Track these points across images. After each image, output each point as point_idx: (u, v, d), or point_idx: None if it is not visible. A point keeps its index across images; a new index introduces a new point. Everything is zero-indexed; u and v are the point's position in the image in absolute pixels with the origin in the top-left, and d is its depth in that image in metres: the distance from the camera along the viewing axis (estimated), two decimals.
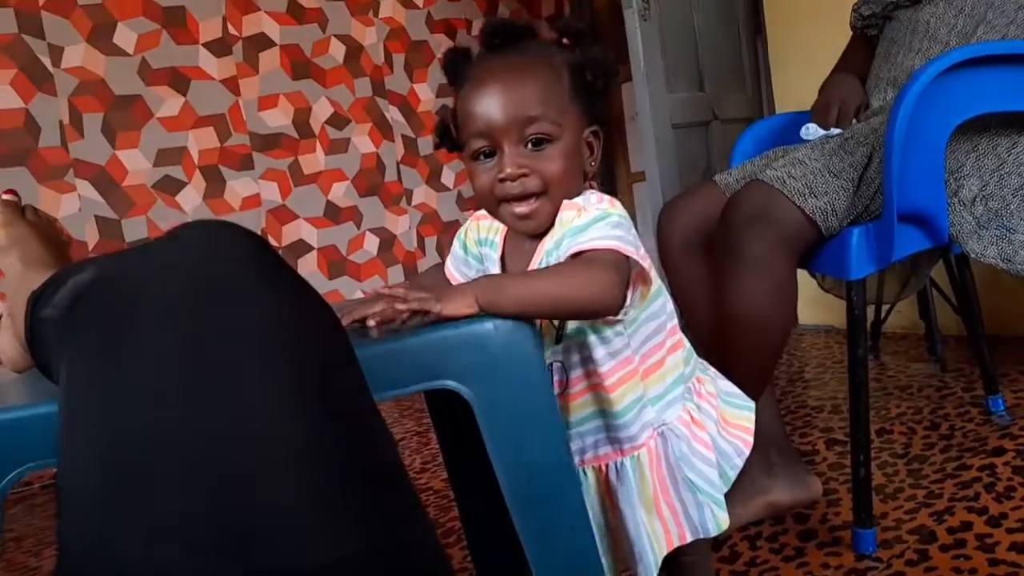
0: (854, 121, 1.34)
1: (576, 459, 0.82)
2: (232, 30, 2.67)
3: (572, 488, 0.73)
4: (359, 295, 2.92)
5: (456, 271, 0.91)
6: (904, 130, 1.04)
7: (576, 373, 0.80)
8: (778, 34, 2.47)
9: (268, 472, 0.48)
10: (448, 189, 3.15)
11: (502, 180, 0.76)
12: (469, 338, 0.73)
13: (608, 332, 0.77)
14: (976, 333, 1.65)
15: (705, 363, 0.90)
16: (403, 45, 3.06)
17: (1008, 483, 1.31)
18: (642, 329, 0.80)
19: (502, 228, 0.86)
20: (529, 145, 0.76)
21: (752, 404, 0.89)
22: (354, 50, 2.93)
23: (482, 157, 0.77)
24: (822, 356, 2.26)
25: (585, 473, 0.84)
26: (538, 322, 0.74)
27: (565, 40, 0.80)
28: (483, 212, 0.88)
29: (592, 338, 0.77)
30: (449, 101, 0.89)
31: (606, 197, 0.77)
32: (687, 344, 0.86)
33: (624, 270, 0.71)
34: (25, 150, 2.29)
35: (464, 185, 3.17)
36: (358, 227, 2.93)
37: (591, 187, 0.81)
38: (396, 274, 3.01)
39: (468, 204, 3.18)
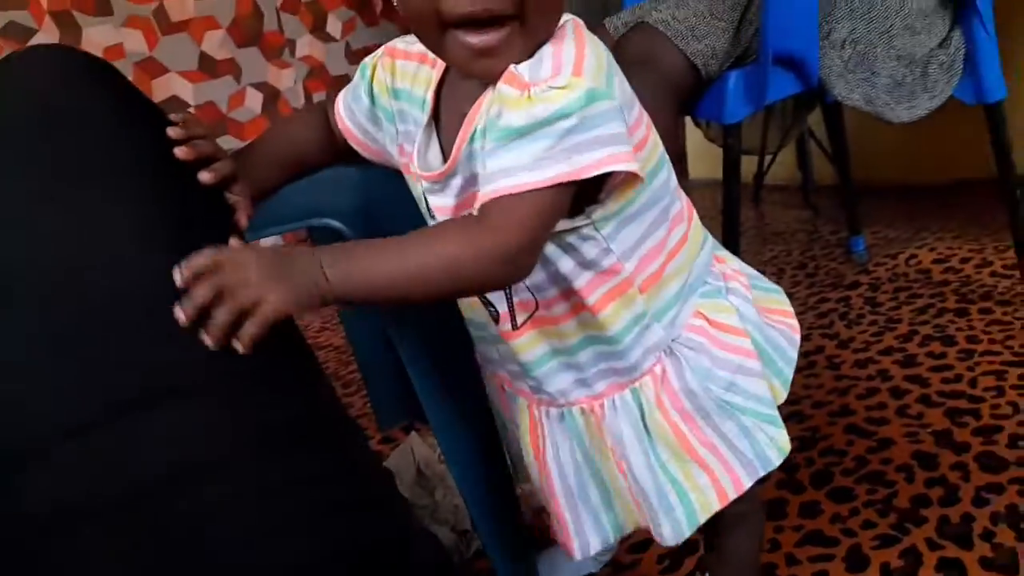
0: None
1: (574, 396, 0.65)
2: None
3: (457, 323, 0.76)
4: None
5: (354, 124, 0.67)
6: None
7: (551, 292, 0.60)
8: None
9: (122, 294, 0.50)
10: (335, 40, 2.97)
11: None
12: (348, 178, 0.72)
13: (571, 239, 0.57)
14: (845, 178, 1.76)
15: (715, 241, 0.70)
16: None
17: (859, 312, 1.46)
18: (631, 227, 0.59)
19: (434, 76, 0.61)
20: None
21: (779, 288, 0.73)
22: None
23: None
24: (708, 207, 2.36)
25: (572, 414, 0.66)
26: None
27: None
28: (403, 44, 0.64)
29: (551, 248, 0.57)
30: None
31: (569, 60, 0.52)
32: (695, 229, 0.66)
33: (546, 212, 0.50)
34: None
35: (353, 34, 2.99)
36: (238, 82, 2.74)
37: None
38: None
39: (357, 56, 3.02)
